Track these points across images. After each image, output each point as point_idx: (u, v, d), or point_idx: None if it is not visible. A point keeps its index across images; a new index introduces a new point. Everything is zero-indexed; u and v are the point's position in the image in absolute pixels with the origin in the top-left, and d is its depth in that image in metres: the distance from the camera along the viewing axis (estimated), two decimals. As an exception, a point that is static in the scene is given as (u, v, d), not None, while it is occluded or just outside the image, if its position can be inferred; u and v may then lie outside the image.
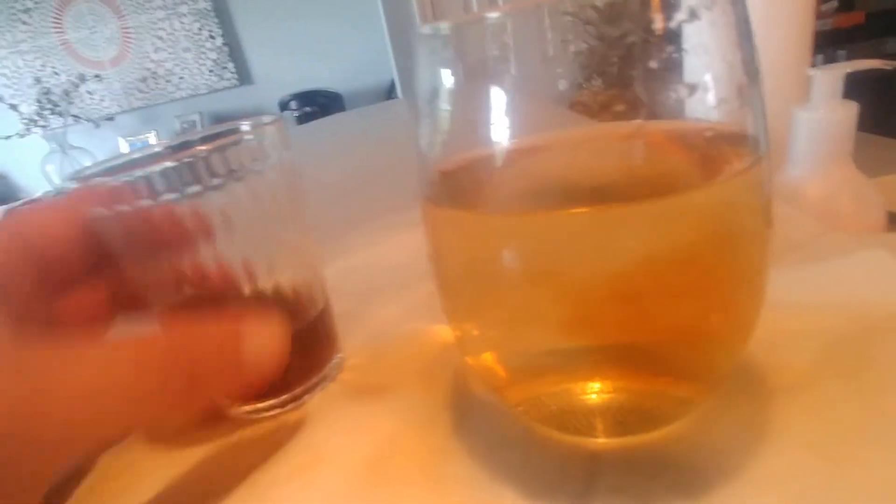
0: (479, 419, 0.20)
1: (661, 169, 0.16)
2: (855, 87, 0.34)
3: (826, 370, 0.19)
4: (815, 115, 0.34)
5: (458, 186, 0.17)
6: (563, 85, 0.15)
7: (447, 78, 0.16)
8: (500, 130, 0.15)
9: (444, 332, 0.25)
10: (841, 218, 0.34)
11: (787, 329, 0.20)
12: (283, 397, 0.23)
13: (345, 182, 0.67)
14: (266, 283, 0.23)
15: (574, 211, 0.15)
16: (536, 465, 0.18)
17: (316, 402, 0.23)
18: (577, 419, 0.19)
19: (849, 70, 0.33)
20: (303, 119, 2.39)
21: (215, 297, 0.22)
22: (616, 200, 0.15)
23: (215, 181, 0.20)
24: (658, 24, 0.14)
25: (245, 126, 0.23)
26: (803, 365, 0.19)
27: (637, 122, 0.15)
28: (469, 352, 0.20)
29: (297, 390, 0.23)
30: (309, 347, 0.24)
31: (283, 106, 2.58)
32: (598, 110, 0.15)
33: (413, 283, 0.30)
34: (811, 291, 0.22)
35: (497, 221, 0.16)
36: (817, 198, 0.34)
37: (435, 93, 0.16)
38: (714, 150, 0.16)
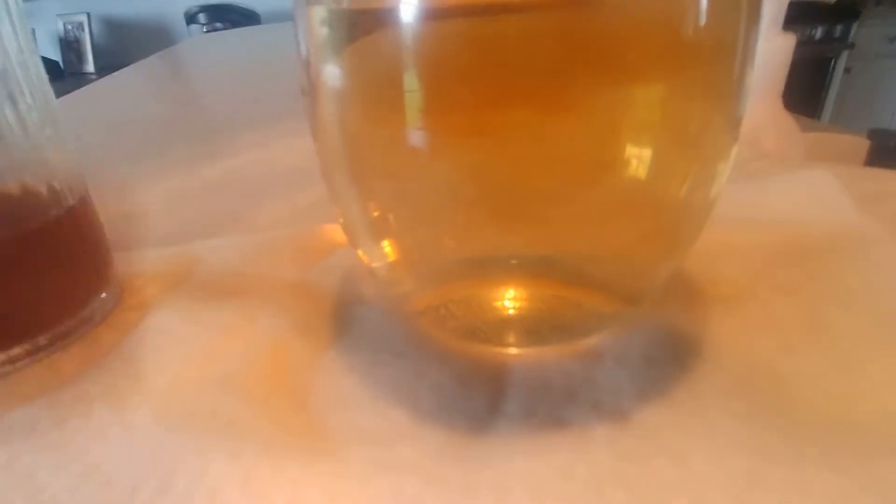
0: (365, 327, 0.16)
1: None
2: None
3: (765, 283, 0.16)
4: (755, 41, 0.32)
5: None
6: None
7: None
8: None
9: (334, 233, 0.21)
10: (765, 153, 0.33)
11: (725, 242, 0.18)
12: (14, 350, 0.16)
13: (244, 90, 0.59)
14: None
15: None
16: (432, 380, 0.14)
17: (152, 305, 0.17)
18: (486, 328, 0.15)
19: (794, -5, 0.32)
20: (212, 36, 2.14)
21: None
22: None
23: None
24: None
25: None
26: (741, 278, 0.17)
27: None
28: (360, 244, 0.16)
29: (39, 339, 0.16)
30: (46, 275, 0.17)
31: (190, 19, 2.29)
32: None
33: (304, 187, 0.25)
34: (750, 207, 0.20)
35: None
36: (745, 127, 0.33)
37: None
38: None
